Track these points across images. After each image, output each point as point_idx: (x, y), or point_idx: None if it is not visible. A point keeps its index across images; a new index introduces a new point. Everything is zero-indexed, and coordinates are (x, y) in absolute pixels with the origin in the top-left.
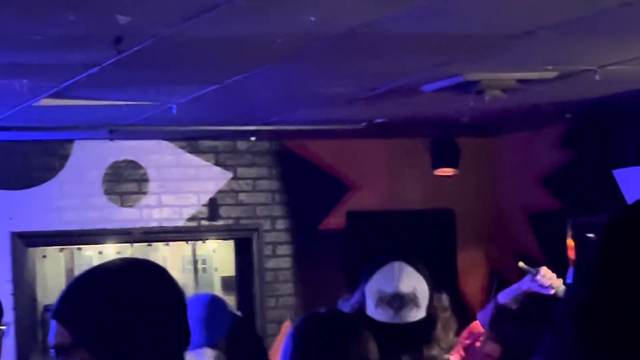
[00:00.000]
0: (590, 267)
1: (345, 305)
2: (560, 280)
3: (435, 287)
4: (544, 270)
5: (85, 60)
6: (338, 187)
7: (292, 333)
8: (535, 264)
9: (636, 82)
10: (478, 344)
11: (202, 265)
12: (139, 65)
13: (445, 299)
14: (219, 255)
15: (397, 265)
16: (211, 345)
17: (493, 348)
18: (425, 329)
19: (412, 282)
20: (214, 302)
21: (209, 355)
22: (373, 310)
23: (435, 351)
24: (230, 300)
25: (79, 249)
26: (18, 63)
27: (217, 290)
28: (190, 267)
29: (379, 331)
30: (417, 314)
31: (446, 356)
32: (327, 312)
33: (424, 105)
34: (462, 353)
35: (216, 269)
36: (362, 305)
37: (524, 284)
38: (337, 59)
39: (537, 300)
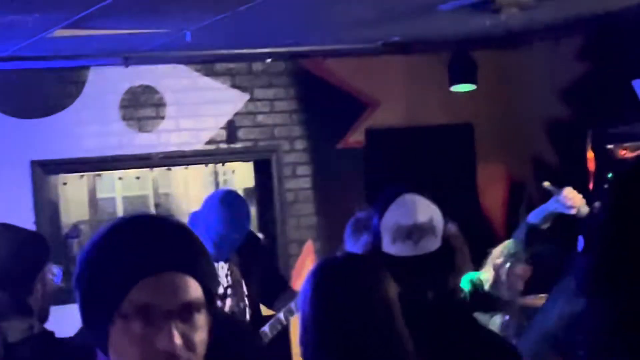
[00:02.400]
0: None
1: (358, 248)
2: (583, 200)
3: (443, 217)
4: (566, 191)
5: None
6: (356, 105)
7: (309, 281)
8: (555, 177)
9: None
10: (508, 264)
11: (224, 178)
12: None
13: (454, 227)
14: (239, 175)
15: (408, 197)
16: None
17: (524, 269)
18: (447, 257)
19: (428, 211)
20: (228, 216)
21: (221, 268)
22: (391, 246)
23: (457, 279)
24: (253, 213)
25: (99, 175)
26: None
27: None
28: (212, 182)
29: (399, 267)
30: (436, 242)
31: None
32: (344, 257)
33: (440, 23)
34: (494, 272)
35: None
36: (376, 243)
37: (550, 205)
38: None
39: (566, 220)
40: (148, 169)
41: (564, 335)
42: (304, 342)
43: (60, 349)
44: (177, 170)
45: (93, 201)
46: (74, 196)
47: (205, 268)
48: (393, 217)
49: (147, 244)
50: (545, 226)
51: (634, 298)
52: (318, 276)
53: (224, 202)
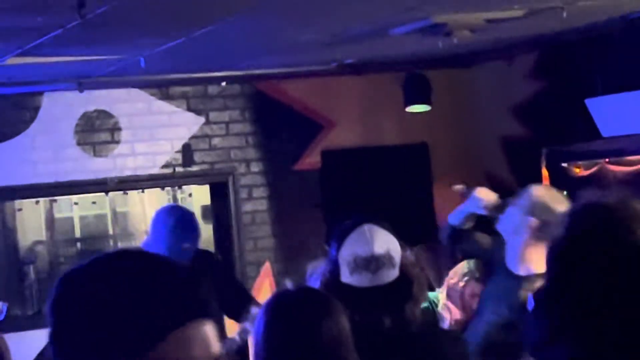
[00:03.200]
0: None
1: (316, 277)
2: (495, 197)
3: (400, 244)
4: (477, 191)
5: (49, 23)
6: (311, 127)
7: (263, 313)
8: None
9: (604, 13)
10: (462, 284)
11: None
12: (104, 25)
13: (411, 255)
14: (197, 195)
15: (367, 227)
16: None
17: (478, 287)
18: (404, 287)
19: (385, 242)
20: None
21: None
22: (349, 277)
23: (416, 308)
24: (208, 230)
25: (55, 200)
26: None
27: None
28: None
29: (357, 296)
30: (394, 273)
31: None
32: (297, 290)
33: (393, 45)
34: (445, 291)
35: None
36: (334, 273)
37: (466, 206)
38: (304, 5)
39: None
40: (103, 193)
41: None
42: None
43: None
44: (133, 194)
45: (50, 222)
46: (30, 220)
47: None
48: (350, 247)
49: (170, 289)
50: (467, 226)
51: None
52: (271, 309)
53: (170, 212)
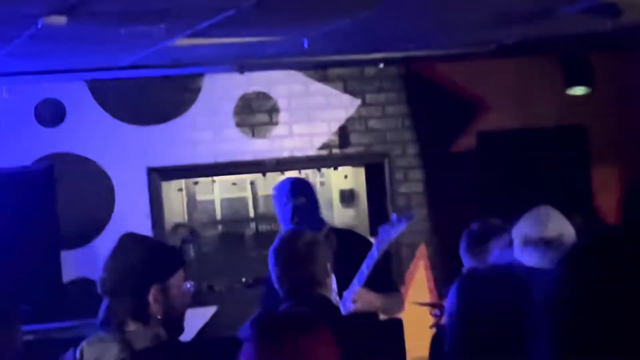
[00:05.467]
0: None
1: (503, 253)
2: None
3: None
4: None
5: (224, 3)
6: (468, 108)
7: (455, 293)
8: None
9: None
10: None
11: (320, 180)
12: (275, 7)
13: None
14: (335, 178)
15: (543, 210)
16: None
17: None
18: None
19: (559, 226)
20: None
21: None
22: (519, 254)
23: None
24: (349, 213)
25: (213, 181)
26: (154, 10)
27: (337, 204)
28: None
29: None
30: None
31: None
32: (489, 269)
33: (558, 26)
34: None
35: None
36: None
37: None
38: None
39: None
40: (261, 174)
41: None
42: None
43: (185, 356)
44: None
45: (191, 204)
46: (178, 200)
47: None
48: (524, 227)
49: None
50: None
51: None
52: (463, 285)
53: (282, 183)
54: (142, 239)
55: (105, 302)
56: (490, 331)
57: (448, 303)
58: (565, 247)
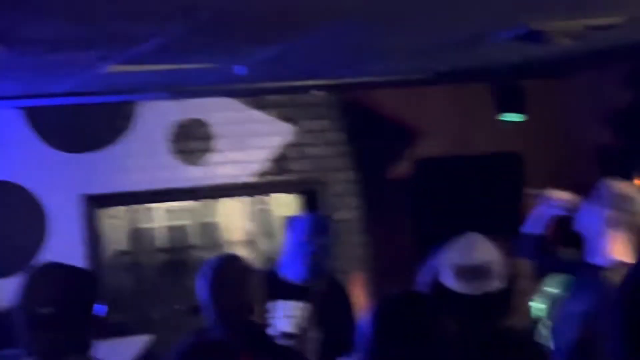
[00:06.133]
0: None
1: (425, 273)
2: (570, 195)
3: (503, 255)
4: (550, 192)
5: (154, 30)
6: (404, 135)
7: (372, 317)
8: None
9: None
10: None
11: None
12: (208, 33)
13: (525, 264)
14: (278, 205)
15: (470, 237)
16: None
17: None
18: (503, 298)
19: (487, 253)
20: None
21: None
22: (453, 282)
23: (515, 320)
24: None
25: (148, 208)
26: (85, 37)
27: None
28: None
29: (458, 302)
30: (493, 284)
31: None
32: (403, 294)
33: (491, 53)
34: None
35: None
36: (439, 276)
37: (542, 209)
38: (402, 12)
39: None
40: (196, 201)
41: None
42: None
43: None
44: (224, 201)
45: (134, 232)
46: (116, 228)
47: None
48: (453, 255)
49: None
50: (539, 231)
51: None
52: (378, 314)
53: (307, 216)
54: (62, 267)
55: (30, 335)
56: (405, 353)
57: (363, 327)
58: (493, 274)
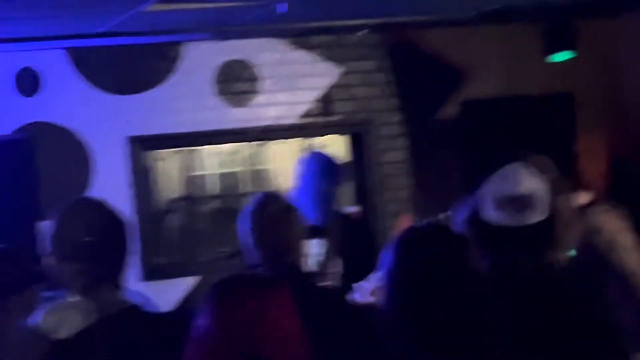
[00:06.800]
0: None
1: (463, 209)
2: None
3: (560, 187)
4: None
5: None
6: (452, 76)
7: (393, 248)
8: None
9: None
10: None
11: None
12: None
13: (569, 199)
14: (332, 149)
15: (514, 167)
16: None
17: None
18: (547, 231)
19: (532, 183)
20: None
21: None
22: (492, 213)
23: (557, 254)
24: (346, 189)
25: (199, 154)
26: None
27: None
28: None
29: (497, 235)
30: (536, 216)
31: None
32: (428, 225)
33: None
34: None
35: None
36: (478, 208)
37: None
38: None
39: None
40: (243, 143)
41: None
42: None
43: (153, 322)
44: (270, 147)
45: (186, 178)
46: (167, 172)
47: None
48: (495, 185)
49: None
50: None
51: None
52: (401, 245)
53: (314, 157)
54: (104, 202)
55: (66, 268)
56: (429, 287)
57: (385, 260)
58: (536, 204)
